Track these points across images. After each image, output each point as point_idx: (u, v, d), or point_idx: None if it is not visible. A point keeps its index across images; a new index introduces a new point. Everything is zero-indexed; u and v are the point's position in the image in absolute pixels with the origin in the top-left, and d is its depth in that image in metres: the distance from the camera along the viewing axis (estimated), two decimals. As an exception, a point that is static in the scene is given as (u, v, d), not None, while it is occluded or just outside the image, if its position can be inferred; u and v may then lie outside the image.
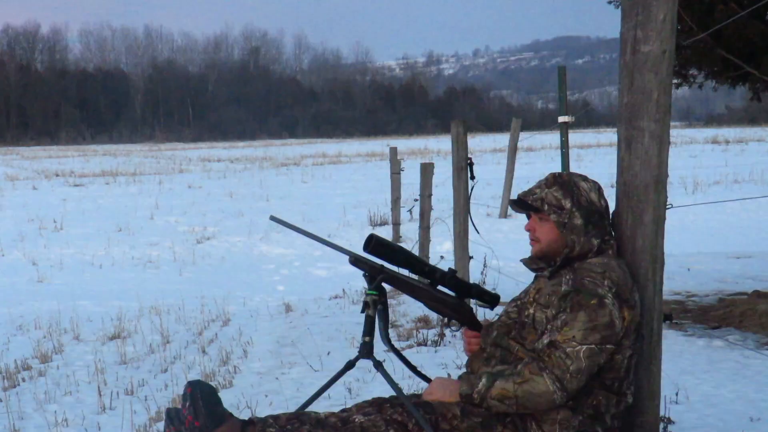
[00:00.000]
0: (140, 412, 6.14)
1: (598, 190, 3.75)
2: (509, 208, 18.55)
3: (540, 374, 3.38)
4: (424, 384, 6.22)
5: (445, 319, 4.04)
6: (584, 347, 3.39)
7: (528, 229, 3.78)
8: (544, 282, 3.73)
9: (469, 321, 3.94)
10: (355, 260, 3.72)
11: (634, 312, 3.53)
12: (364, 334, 3.72)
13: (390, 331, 8.64)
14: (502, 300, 4.10)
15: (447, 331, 8.07)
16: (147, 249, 17.08)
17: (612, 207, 3.83)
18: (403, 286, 3.81)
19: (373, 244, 3.69)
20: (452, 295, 3.91)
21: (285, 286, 13.51)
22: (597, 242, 3.67)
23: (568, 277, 3.62)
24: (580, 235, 3.64)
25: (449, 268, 3.94)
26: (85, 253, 16.64)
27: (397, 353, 3.85)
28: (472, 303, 4.45)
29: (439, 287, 3.89)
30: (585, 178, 3.76)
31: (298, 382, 6.75)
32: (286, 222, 3.84)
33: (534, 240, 3.75)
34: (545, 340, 3.50)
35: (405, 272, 3.87)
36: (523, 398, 3.39)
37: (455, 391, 3.57)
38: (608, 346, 3.43)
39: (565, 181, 3.70)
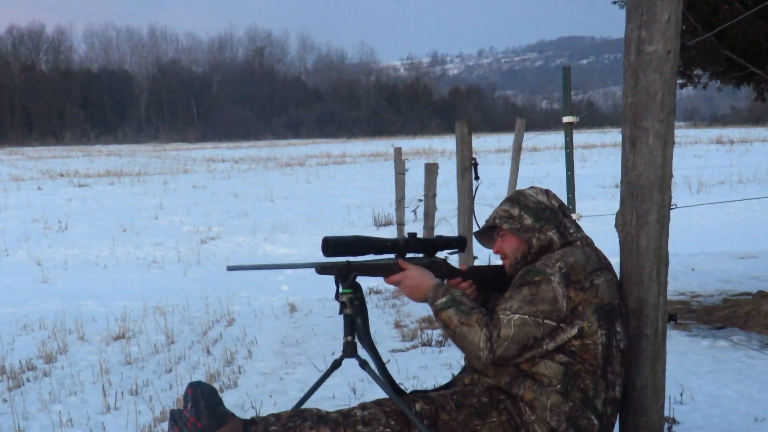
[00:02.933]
0: (145, 413, 6.15)
1: (546, 192, 3.89)
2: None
3: (481, 327, 3.52)
4: (428, 383, 6.23)
5: None
6: (516, 316, 3.50)
7: (496, 251, 3.91)
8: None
9: (447, 272, 3.96)
10: (321, 269, 3.71)
11: (586, 294, 3.54)
12: (346, 333, 3.72)
13: (394, 331, 8.71)
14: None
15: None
16: (151, 249, 17.12)
17: (616, 207, 3.84)
18: (374, 271, 3.82)
19: (330, 246, 3.68)
20: (422, 256, 3.93)
21: (289, 286, 13.53)
22: (553, 233, 3.76)
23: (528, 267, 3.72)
24: (534, 231, 3.76)
25: (408, 234, 3.96)
26: (89, 253, 16.68)
27: (375, 354, 3.82)
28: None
29: (408, 255, 3.89)
30: (532, 187, 3.94)
31: (302, 383, 6.75)
32: (244, 266, 3.82)
33: (503, 257, 3.88)
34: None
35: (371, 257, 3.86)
36: (457, 337, 3.57)
37: (422, 295, 3.75)
38: (546, 320, 3.50)
39: (512, 196, 3.89)
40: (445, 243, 4.00)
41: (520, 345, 3.48)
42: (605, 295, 3.59)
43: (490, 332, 3.49)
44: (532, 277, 3.56)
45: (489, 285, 3.98)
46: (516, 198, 3.85)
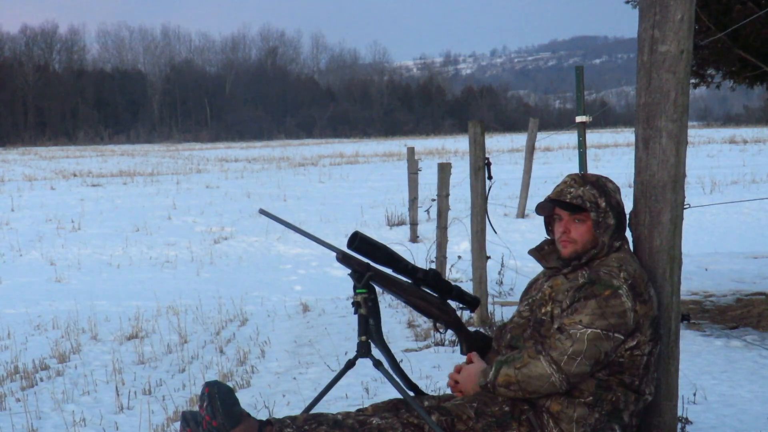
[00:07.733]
0: (158, 412, 6.16)
1: (620, 192, 3.78)
2: (526, 208, 18.58)
3: (537, 357, 3.45)
4: (441, 383, 6.23)
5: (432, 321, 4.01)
6: (589, 330, 3.42)
7: (563, 231, 3.72)
8: (561, 279, 3.72)
9: (454, 322, 3.92)
10: (343, 257, 3.66)
11: (647, 306, 3.52)
12: (360, 333, 3.71)
13: (407, 331, 8.71)
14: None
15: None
16: (164, 249, 17.13)
17: (629, 207, 3.83)
18: (390, 284, 3.78)
19: (357, 241, 3.65)
20: (435, 296, 3.89)
21: (302, 286, 13.53)
22: (618, 244, 3.70)
23: (584, 272, 3.64)
24: (609, 235, 3.65)
25: (430, 268, 3.92)
26: (102, 253, 16.70)
27: (388, 354, 3.81)
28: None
29: (421, 287, 3.86)
30: (609, 180, 3.77)
31: (315, 382, 6.75)
32: (276, 216, 3.81)
33: (569, 241, 3.70)
34: (555, 325, 3.54)
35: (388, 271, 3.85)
36: (523, 382, 3.45)
37: (475, 381, 3.64)
38: (616, 334, 3.44)
39: (595, 181, 3.70)
40: (459, 296, 3.95)
41: (593, 360, 3.43)
42: (656, 306, 3.60)
43: (550, 355, 3.42)
44: (601, 291, 3.48)
45: (477, 348, 3.95)
46: (602, 188, 3.67)
